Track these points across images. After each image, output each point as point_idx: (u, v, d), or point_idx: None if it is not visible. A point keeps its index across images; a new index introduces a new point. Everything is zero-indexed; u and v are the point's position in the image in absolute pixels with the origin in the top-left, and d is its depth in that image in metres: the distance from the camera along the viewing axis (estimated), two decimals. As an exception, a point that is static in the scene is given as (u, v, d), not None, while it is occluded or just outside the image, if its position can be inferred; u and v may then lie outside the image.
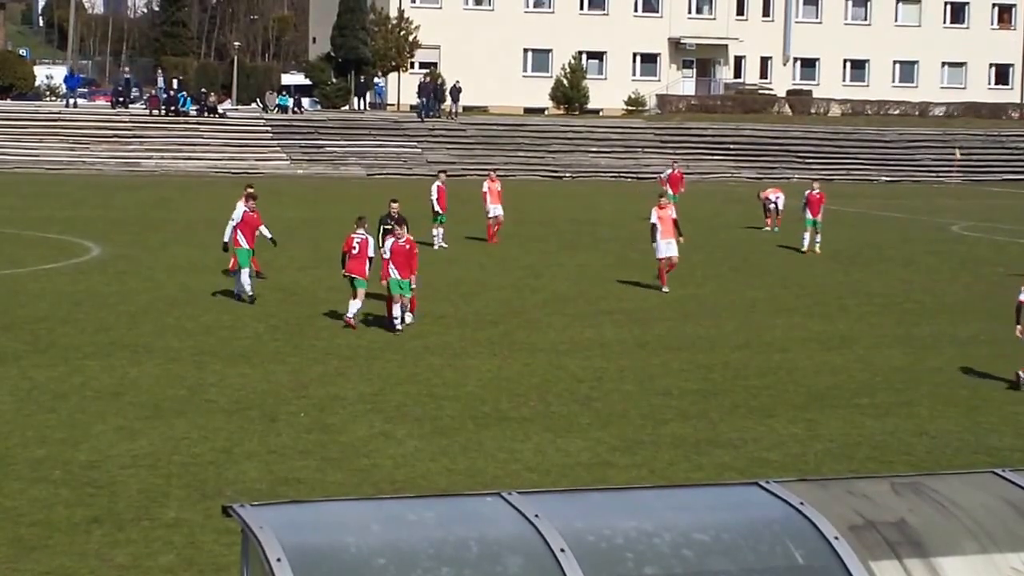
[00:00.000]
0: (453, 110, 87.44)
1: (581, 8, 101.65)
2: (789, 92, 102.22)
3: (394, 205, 31.56)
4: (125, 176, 71.88)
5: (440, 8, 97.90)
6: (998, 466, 18.30)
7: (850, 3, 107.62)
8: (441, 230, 42.85)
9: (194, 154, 77.56)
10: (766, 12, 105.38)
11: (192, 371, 23.64)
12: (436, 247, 42.11)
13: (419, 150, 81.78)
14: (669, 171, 54.57)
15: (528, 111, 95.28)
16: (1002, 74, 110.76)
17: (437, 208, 42.55)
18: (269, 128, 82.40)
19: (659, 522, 7.63)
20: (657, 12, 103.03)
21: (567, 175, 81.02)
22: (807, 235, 44.07)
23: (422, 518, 7.53)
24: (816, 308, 32.80)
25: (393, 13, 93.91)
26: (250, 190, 34.42)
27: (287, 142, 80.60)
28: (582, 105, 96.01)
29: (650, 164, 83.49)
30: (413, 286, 27.87)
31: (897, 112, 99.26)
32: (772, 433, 20.45)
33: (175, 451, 18.61)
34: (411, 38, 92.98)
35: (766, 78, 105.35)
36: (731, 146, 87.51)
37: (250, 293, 30.96)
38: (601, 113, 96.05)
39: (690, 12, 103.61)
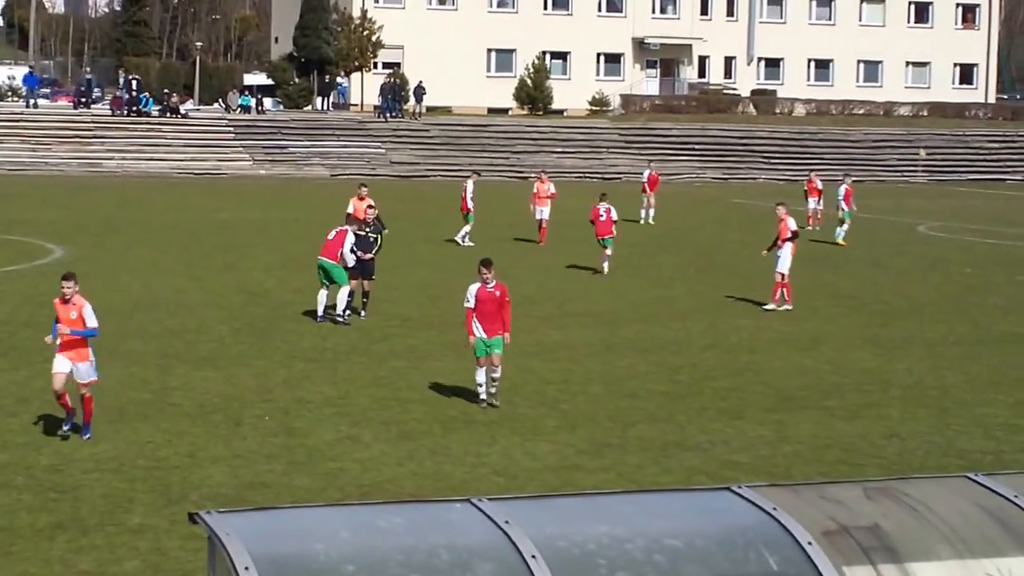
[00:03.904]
0: (416, 110, 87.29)
1: (545, 8, 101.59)
2: (753, 92, 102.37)
3: (369, 211, 31.39)
4: (87, 177, 71.47)
5: (403, 8, 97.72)
6: (969, 468, 18.29)
7: (814, 3, 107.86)
8: (467, 228, 44.18)
9: (156, 155, 77.18)
10: (730, 12, 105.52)
11: (156, 375, 23.45)
12: (463, 245, 43.55)
13: (383, 150, 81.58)
14: (648, 172, 54.84)
15: (492, 111, 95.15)
16: (966, 74, 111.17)
17: (469, 206, 44.17)
18: (232, 129, 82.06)
19: (631, 528, 7.54)
20: (621, 12, 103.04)
21: (532, 175, 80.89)
22: (845, 227, 46.62)
23: (392, 525, 7.42)
24: (784, 309, 32.72)
25: (356, 13, 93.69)
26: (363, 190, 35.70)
27: (250, 143, 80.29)
28: (546, 105, 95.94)
29: (615, 164, 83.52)
30: (507, 340, 21.87)
31: (862, 112, 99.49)
32: (741, 435, 20.38)
33: (139, 455, 18.43)
34: (374, 38, 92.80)
35: (730, 78, 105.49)
36: (696, 146, 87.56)
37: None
38: (565, 113, 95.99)
39: (654, 12, 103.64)
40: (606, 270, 38.08)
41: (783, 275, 32.38)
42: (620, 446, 19.61)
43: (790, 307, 32.19)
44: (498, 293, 21.60)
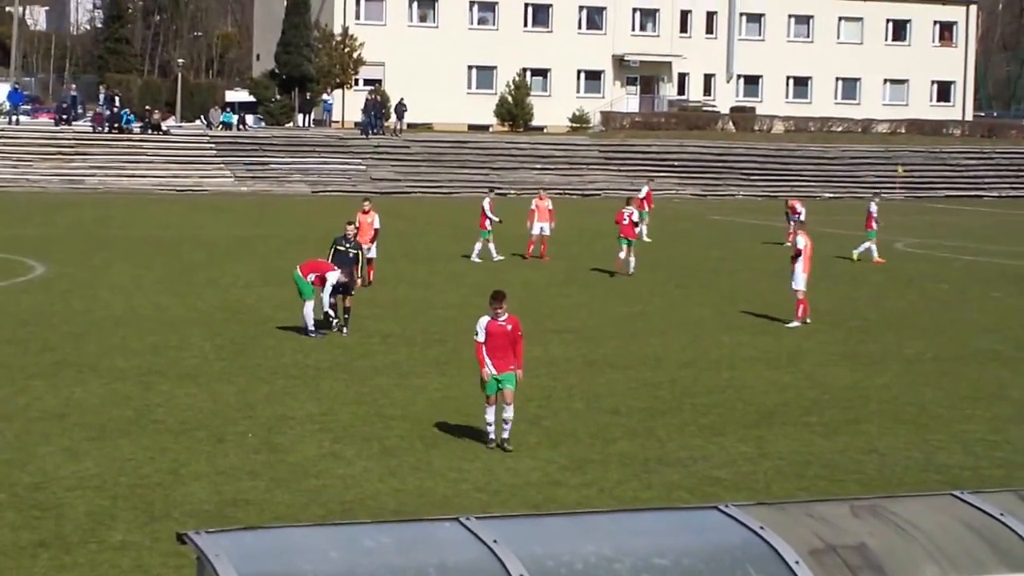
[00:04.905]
0: (397, 127, 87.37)
1: (525, 25, 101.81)
2: (732, 109, 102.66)
3: (349, 228, 31.46)
4: (69, 194, 71.39)
5: (384, 25, 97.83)
6: (948, 484, 18.41)
7: (792, 21, 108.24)
8: (491, 244, 44.61)
9: (138, 171, 77.13)
10: (709, 30, 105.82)
11: (138, 391, 23.45)
12: (495, 258, 44.25)
13: (364, 167, 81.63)
14: (646, 189, 55.18)
15: (472, 128, 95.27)
16: (944, 91, 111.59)
17: (491, 217, 44.46)
18: (213, 145, 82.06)
19: (619, 547, 7.59)
20: (601, 29, 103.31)
21: (512, 192, 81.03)
22: (874, 245, 47.32)
23: (380, 544, 7.46)
24: (763, 325, 32.88)
25: (337, 30, 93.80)
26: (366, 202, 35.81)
27: (231, 159, 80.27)
28: (526, 122, 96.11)
29: (595, 181, 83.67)
30: (520, 377, 20.59)
31: (840, 129, 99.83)
32: (722, 451, 20.45)
33: (122, 472, 18.43)
34: (355, 55, 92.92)
35: (710, 95, 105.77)
36: (675, 163, 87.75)
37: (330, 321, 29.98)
38: (545, 130, 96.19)
39: (634, 29, 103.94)
40: (630, 268, 41.33)
41: (796, 292, 32.95)
42: (602, 462, 19.67)
43: (806, 322, 32.73)
44: (510, 327, 20.39)
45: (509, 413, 20.20)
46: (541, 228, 45.99)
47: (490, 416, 20.33)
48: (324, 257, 30.33)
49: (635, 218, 42.50)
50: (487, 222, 44.49)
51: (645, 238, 52.26)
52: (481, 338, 20.28)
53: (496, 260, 44.06)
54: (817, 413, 23.28)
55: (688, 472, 19.25)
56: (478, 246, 44.51)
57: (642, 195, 54.10)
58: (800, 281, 32.92)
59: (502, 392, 20.19)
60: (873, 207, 48.09)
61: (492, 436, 20.31)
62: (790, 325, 32.52)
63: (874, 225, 47.54)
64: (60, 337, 28.43)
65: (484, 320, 20.45)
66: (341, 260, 30.00)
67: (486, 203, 45.15)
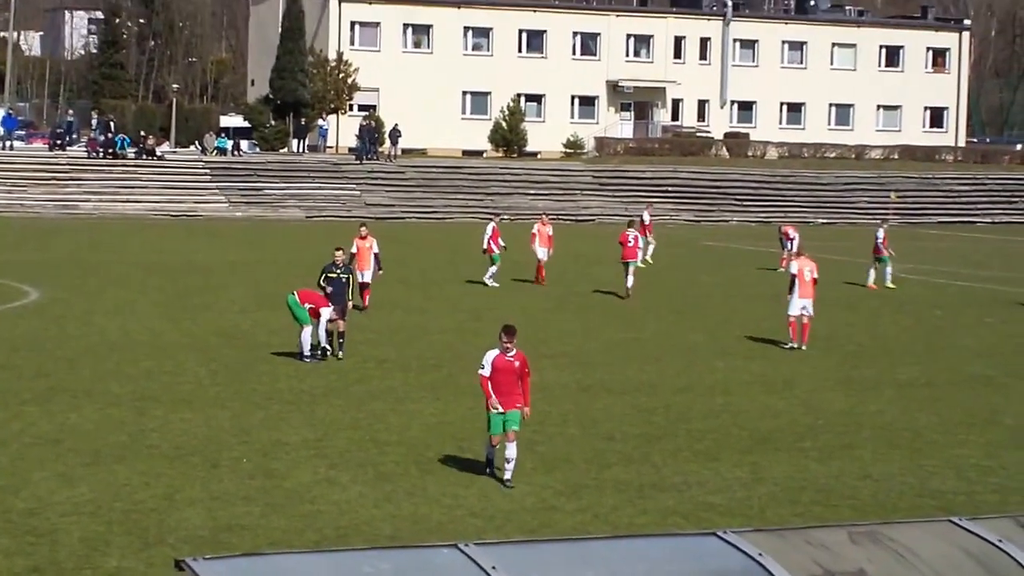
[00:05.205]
0: (392, 153, 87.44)
1: (519, 51, 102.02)
2: (726, 135, 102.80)
3: (338, 253, 31.53)
4: (63, 219, 71.37)
5: (379, 51, 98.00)
6: (942, 509, 18.42)
7: (786, 47, 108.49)
8: (494, 268, 44.53)
9: (132, 197, 77.11)
10: (703, 56, 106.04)
11: (133, 416, 23.43)
12: (489, 285, 44.13)
13: (358, 192, 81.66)
14: (648, 215, 55.27)
15: (467, 154, 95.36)
16: (937, 117, 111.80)
17: (495, 248, 44.52)
18: (207, 170, 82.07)
19: (616, 573, 7.59)
20: (595, 55, 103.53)
21: (506, 217, 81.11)
22: (888, 270, 47.68)
23: (378, 570, 7.46)
24: (757, 350, 32.92)
25: (332, 55, 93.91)
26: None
27: (225, 184, 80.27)
28: (520, 148, 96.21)
29: (588, 207, 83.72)
30: (526, 415, 20.00)
31: (833, 155, 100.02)
32: (716, 477, 20.46)
33: (116, 498, 18.41)
34: (350, 80, 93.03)
35: (703, 121, 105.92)
36: (669, 189, 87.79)
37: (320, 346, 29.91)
38: (539, 156, 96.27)
39: (628, 55, 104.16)
40: (629, 290, 41.91)
41: (790, 317, 33.39)
42: (596, 487, 19.67)
43: (800, 348, 33.04)
44: (518, 363, 19.66)
45: (511, 452, 19.47)
46: (541, 252, 46.05)
47: (496, 457, 19.67)
48: (314, 282, 30.63)
49: (640, 242, 43.53)
50: (494, 247, 44.46)
51: (647, 258, 52.26)
52: (487, 372, 19.65)
53: (491, 286, 44.03)
54: (812, 438, 23.31)
55: (683, 498, 19.26)
56: (493, 269, 44.55)
57: (647, 221, 54.08)
58: (791, 307, 33.10)
59: (506, 431, 19.52)
60: (881, 233, 48.21)
61: (508, 477, 19.44)
62: (790, 346, 32.93)
63: (884, 251, 47.66)
64: (54, 362, 28.42)
65: (492, 354, 19.73)
66: (334, 285, 30.23)
67: (489, 228, 45.12)
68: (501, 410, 19.51)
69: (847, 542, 7.97)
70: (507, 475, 19.51)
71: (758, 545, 7.79)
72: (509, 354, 19.69)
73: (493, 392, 19.55)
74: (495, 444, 19.63)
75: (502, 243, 44.81)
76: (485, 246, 44.89)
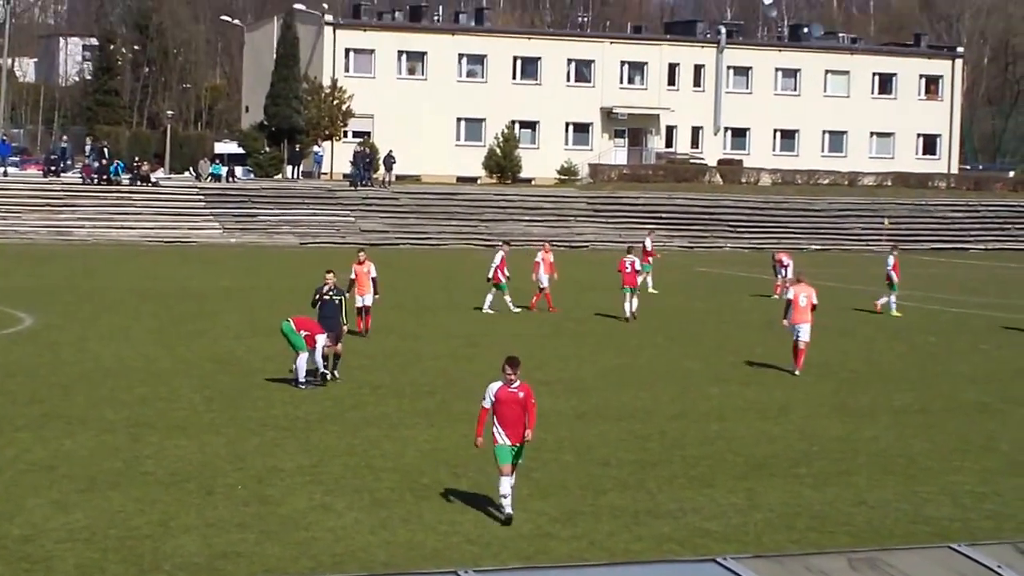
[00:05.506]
0: (386, 179, 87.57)
1: (514, 78, 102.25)
2: (720, 161, 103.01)
3: (328, 276, 31.57)
4: (57, 245, 71.41)
5: (374, 77, 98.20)
6: (938, 536, 18.44)
7: (780, 74, 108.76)
8: (490, 295, 44.32)
9: (127, 223, 77.18)
10: (697, 83, 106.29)
11: (127, 443, 23.41)
12: (490, 311, 43.95)
13: (352, 219, 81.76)
14: (649, 241, 55.00)
15: (461, 180, 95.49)
16: (929, 144, 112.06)
17: (501, 277, 44.10)
18: (202, 197, 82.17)
19: (614, 599, 7.59)
20: (589, 82, 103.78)
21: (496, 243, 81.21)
22: (894, 298, 47.64)
23: (376, 596, 7.46)
24: (752, 376, 32.94)
25: (326, 82, 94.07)
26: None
27: (220, 211, 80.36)
28: (515, 174, 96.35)
29: (582, 233, 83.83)
30: (528, 437, 19.44)
31: (827, 181, 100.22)
32: (712, 503, 20.46)
33: (111, 524, 18.38)
34: (344, 107, 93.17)
35: (697, 147, 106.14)
36: (663, 215, 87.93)
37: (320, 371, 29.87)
38: (534, 182, 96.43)
39: (622, 82, 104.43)
40: (629, 313, 43.00)
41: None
42: (592, 514, 19.67)
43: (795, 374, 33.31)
44: (522, 395, 19.23)
45: (511, 485, 19.11)
46: (544, 280, 45.89)
47: (505, 488, 18.96)
48: (308, 305, 30.91)
49: (637, 266, 44.06)
50: (500, 276, 44.20)
51: (651, 289, 52.17)
52: (488, 404, 19.27)
53: (486, 311, 44.03)
54: (807, 465, 23.31)
55: (678, 524, 19.25)
56: (507, 299, 44.30)
57: (649, 247, 54.06)
58: (801, 332, 33.42)
59: (508, 466, 19.06)
60: (891, 260, 48.22)
61: (508, 510, 18.97)
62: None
63: (894, 277, 47.72)
64: (48, 389, 28.39)
65: (495, 386, 19.29)
66: (327, 308, 30.49)
67: (498, 256, 44.62)
68: (509, 443, 19.10)
69: (847, 568, 7.96)
70: (508, 509, 19.05)
71: (757, 571, 7.78)
72: (512, 386, 19.32)
73: (500, 426, 19.14)
74: (506, 474, 18.99)
75: (507, 273, 44.31)
76: (491, 275, 44.34)
